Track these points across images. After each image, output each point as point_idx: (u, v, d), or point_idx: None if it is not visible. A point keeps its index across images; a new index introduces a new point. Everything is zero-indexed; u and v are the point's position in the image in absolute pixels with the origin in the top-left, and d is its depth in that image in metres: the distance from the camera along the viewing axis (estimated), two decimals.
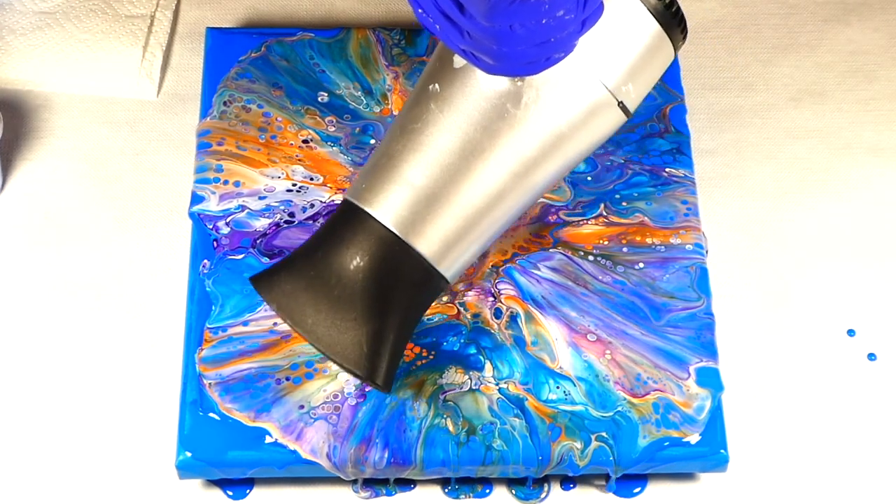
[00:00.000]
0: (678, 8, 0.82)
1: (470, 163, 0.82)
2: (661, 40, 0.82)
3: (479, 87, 0.82)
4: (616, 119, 0.83)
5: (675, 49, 0.83)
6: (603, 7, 0.79)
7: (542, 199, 0.97)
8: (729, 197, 1.02)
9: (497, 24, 0.75)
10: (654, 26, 0.82)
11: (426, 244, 0.82)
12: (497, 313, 0.93)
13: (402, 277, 0.83)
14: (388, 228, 0.82)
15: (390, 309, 0.83)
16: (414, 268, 0.83)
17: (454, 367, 0.91)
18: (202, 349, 0.91)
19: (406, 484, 0.92)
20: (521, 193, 0.84)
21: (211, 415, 0.89)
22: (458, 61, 0.82)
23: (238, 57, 1.02)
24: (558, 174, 0.84)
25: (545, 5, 0.75)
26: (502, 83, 0.81)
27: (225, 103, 1.00)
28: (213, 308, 0.92)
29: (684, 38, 0.83)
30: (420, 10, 0.78)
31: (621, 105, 0.82)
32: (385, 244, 0.82)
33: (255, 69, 1.01)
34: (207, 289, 0.93)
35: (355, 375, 0.83)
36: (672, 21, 0.82)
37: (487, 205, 0.83)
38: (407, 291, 0.83)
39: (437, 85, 0.83)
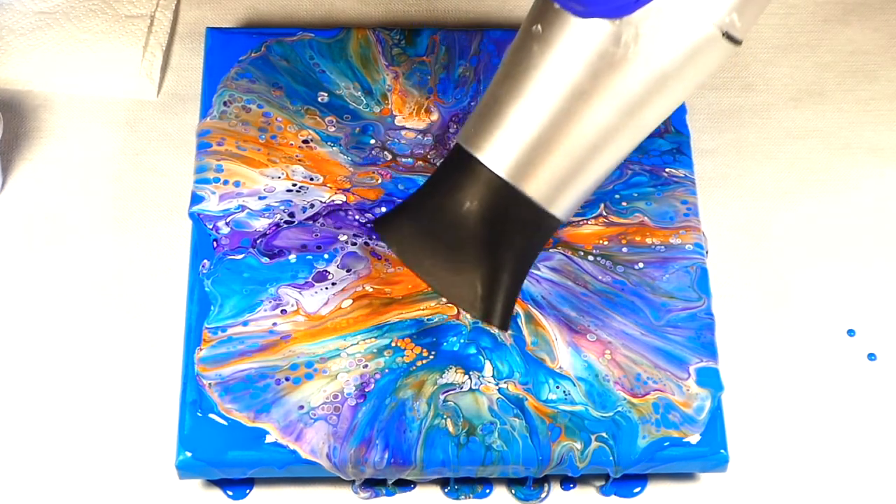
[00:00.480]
0: None
1: (575, 105, 0.81)
2: None
3: (579, 27, 0.80)
4: (723, 51, 0.80)
5: None
6: None
7: None
8: (729, 197, 1.02)
9: None
10: None
11: (535, 187, 0.82)
12: None
13: (514, 220, 0.83)
14: (496, 174, 0.82)
15: (503, 251, 0.83)
16: (524, 211, 0.83)
17: (454, 367, 0.91)
18: (201, 349, 0.91)
19: (406, 484, 0.92)
20: (628, 132, 0.82)
21: (211, 416, 0.89)
22: None
23: (238, 57, 1.02)
24: (666, 111, 0.82)
25: None
26: (602, 22, 0.79)
27: (225, 103, 1.00)
28: (213, 308, 0.92)
29: None
30: None
31: (726, 35, 0.79)
32: (494, 189, 0.82)
33: (255, 69, 1.01)
34: (207, 289, 0.93)
35: (473, 316, 0.85)
36: None
37: (595, 145, 0.82)
38: (519, 234, 0.83)
39: (539, 26, 0.81)
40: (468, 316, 0.93)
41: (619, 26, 0.79)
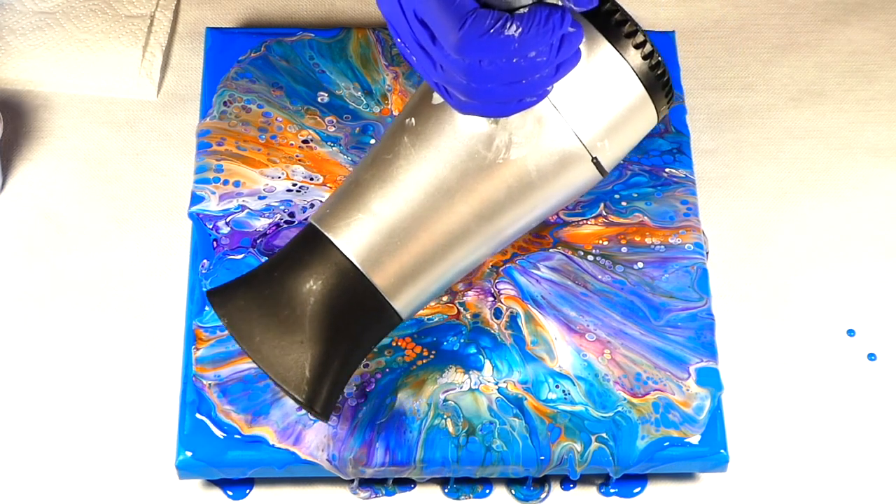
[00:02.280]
0: (665, 72, 0.80)
1: (436, 200, 0.81)
2: (643, 103, 0.80)
3: (453, 126, 0.80)
4: (589, 175, 0.81)
5: (659, 115, 0.82)
6: (580, 55, 0.77)
7: None
8: (729, 197, 1.02)
9: (467, 57, 0.74)
10: (639, 88, 0.80)
11: (383, 277, 0.81)
12: (497, 313, 0.93)
13: (355, 307, 0.81)
14: (346, 256, 0.81)
15: (339, 337, 0.81)
16: (368, 299, 0.81)
17: (454, 367, 0.91)
18: (197, 349, 0.90)
19: (406, 484, 0.92)
20: (484, 237, 0.82)
21: (209, 423, 0.89)
22: (437, 98, 0.81)
23: (238, 57, 1.02)
24: (525, 223, 0.83)
25: (514, 43, 0.73)
26: (476, 124, 0.80)
27: (225, 103, 1.00)
28: (209, 308, 0.92)
29: (669, 103, 0.82)
30: (398, 40, 0.78)
31: (595, 161, 0.81)
32: (341, 272, 0.81)
33: (255, 69, 1.01)
34: (205, 289, 0.92)
35: (295, 400, 0.82)
36: (657, 84, 0.80)
37: (449, 244, 0.82)
38: (358, 322, 0.82)
39: (413, 119, 0.82)
40: (467, 316, 0.93)
41: (494, 130, 0.80)
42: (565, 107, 0.79)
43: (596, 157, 0.81)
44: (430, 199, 0.81)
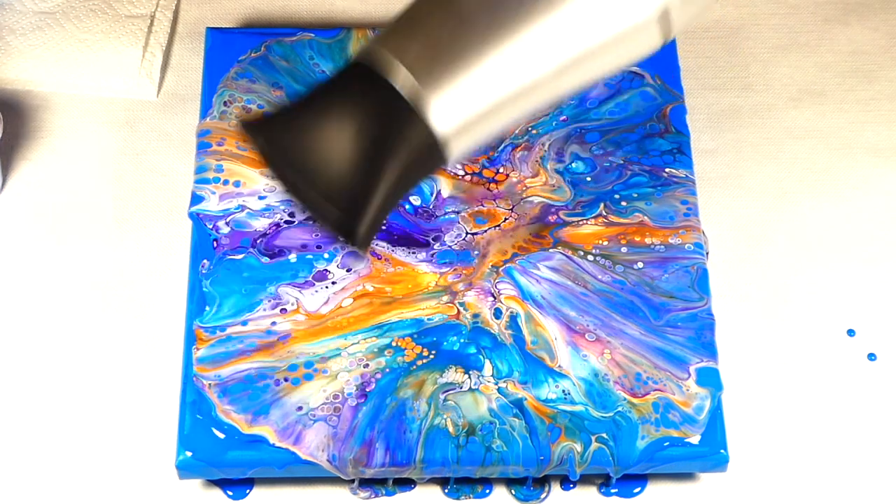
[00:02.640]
0: None
1: (499, 34, 0.76)
2: None
3: None
4: (653, 38, 0.77)
5: None
6: None
7: (542, 199, 0.97)
8: (729, 197, 1.02)
9: None
10: None
11: (438, 115, 0.76)
12: (497, 313, 0.93)
13: (404, 143, 0.76)
14: (401, 93, 0.76)
15: (381, 172, 0.76)
16: (417, 136, 0.76)
17: (454, 367, 0.91)
18: (198, 348, 0.91)
19: (406, 484, 0.92)
20: (544, 84, 0.77)
21: (212, 428, 0.89)
22: None
23: (238, 57, 1.02)
24: (585, 72, 0.78)
25: None
26: None
27: (225, 103, 1.00)
28: (209, 308, 0.92)
29: None
30: None
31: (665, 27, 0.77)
32: (393, 107, 0.76)
33: (255, 69, 1.01)
34: (205, 289, 0.93)
35: (333, 232, 0.78)
36: None
37: (505, 85, 0.77)
38: (404, 160, 0.77)
39: None
40: (467, 316, 0.93)
41: None
42: None
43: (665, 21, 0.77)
44: (493, 33, 0.76)
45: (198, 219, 0.95)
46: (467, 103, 0.77)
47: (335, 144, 0.76)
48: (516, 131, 0.99)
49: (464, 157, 0.80)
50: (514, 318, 0.93)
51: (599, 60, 0.79)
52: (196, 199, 0.96)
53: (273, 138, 0.77)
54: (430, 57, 0.76)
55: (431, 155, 0.78)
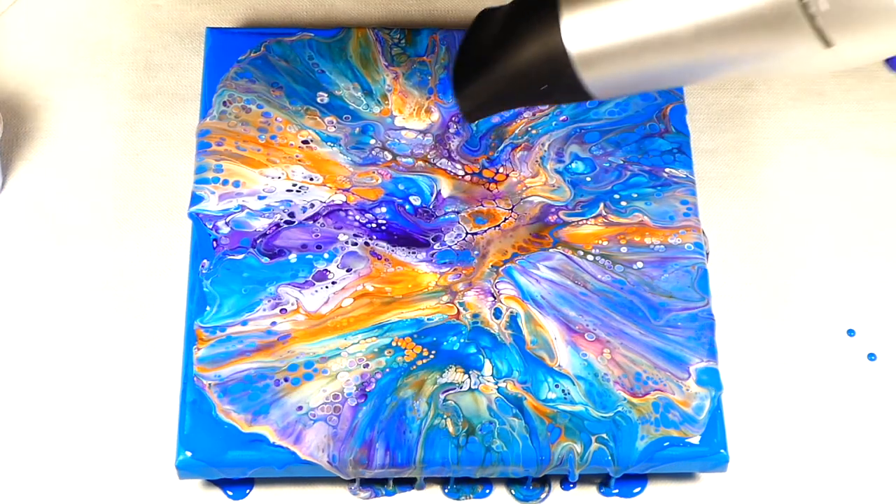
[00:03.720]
0: None
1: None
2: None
3: None
4: (799, 28, 0.73)
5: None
6: None
7: (542, 199, 0.97)
8: (729, 197, 1.02)
9: None
10: None
11: (567, 26, 0.77)
12: (497, 313, 0.93)
13: (530, 37, 0.79)
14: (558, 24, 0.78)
15: (503, 54, 0.80)
16: (545, 35, 0.78)
17: (454, 367, 0.91)
18: (198, 348, 0.91)
19: (406, 484, 0.92)
20: (680, 42, 0.76)
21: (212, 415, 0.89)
22: None
23: (238, 57, 1.02)
24: (724, 46, 0.76)
25: None
26: None
27: (224, 103, 1.00)
28: (210, 308, 0.92)
29: None
30: None
31: (804, 5, 0.72)
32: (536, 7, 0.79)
33: (254, 69, 1.01)
34: (205, 289, 0.93)
35: (454, 89, 0.83)
36: None
37: (640, 27, 0.76)
38: (527, 53, 0.79)
39: None
40: (467, 316, 0.93)
41: None
42: None
43: (807, 4, 0.72)
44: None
45: (197, 219, 0.95)
46: (600, 31, 0.77)
47: (486, 27, 0.81)
48: (516, 131, 0.99)
49: (605, 93, 0.80)
50: (513, 317, 0.93)
51: (740, 39, 0.75)
52: (196, 199, 0.96)
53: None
54: None
55: (558, 67, 0.78)
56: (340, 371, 0.90)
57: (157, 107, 1.05)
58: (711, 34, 0.76)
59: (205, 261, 0.94)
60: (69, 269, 0.98)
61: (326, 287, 0.93)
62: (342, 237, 0.95)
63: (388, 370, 0.90)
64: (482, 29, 0.82)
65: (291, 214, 0.96)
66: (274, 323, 0.92)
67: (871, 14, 0.72)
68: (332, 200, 0.97)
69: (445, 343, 0.92)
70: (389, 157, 0.99)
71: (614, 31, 0.77)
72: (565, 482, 0.92)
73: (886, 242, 1.01)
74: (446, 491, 0.92)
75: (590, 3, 0.77)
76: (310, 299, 0.93)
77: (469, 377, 0.90)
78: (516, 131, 1.00)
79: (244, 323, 0.92)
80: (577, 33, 0.78)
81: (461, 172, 0.98)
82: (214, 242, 0.95)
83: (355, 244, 0.95)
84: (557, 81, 0.80)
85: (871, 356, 0.96)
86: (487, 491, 0.92)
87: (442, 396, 0.90)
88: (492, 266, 0.95)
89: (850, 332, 0.97)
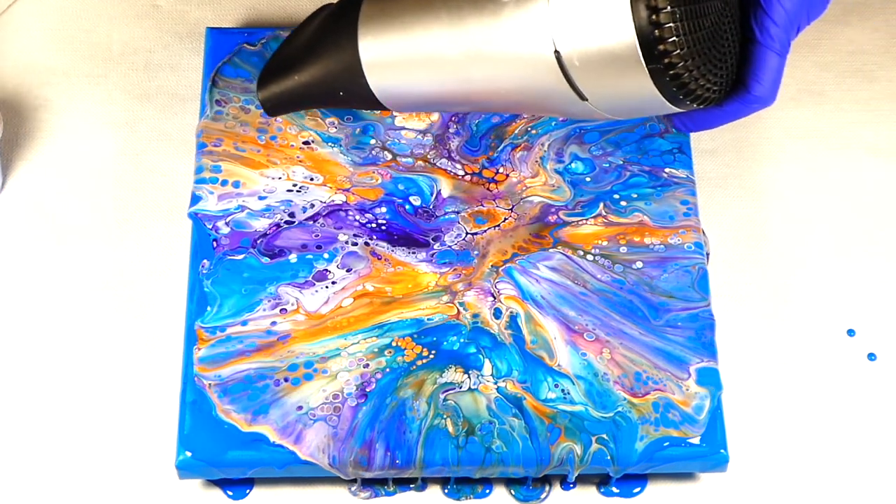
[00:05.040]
0: (670, 60, 0.74)
1: (429, 20, 0.80)
2: (634, 60, 0.74)
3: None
4: (553, 78, 0.76)
5: (658, 86, 0.74)
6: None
7: (541, 199, 0.97)
8: (729, 197, 1.02)
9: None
10: (630, 36, 0.73)
11: (363, 37, 0.82)
12: (497, 313, 0.93)
13: (334, 45, 0.83)
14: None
15: (307, 57, 0.85)
16: (345, 43, 0.83)
17: (454, 367, 0.91)
18: (199, 348, 0.91)
19: (406, 484, 0.92)
20: (454, 69, 0.80)
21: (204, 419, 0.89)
22: None
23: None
24: (488, 89, 0.80)
25: None
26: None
27: (218, 102, 1.00)
28: (210, 308, 0.92)
29: (678, 95, 0.74)
30: None
31: (557, 56, 0.75)
32: (345, 18, 0.83)
33: (253, 68, 1.01)
34: (206, 289, 0.93)
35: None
36: (652, 53, 0.73)
37: (422, 51, 0.81)
38: (330, 58, 0.84)
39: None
40: (467, 316, 0.93)
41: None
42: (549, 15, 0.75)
43: (558, 54, 0.75)
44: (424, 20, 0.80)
45: (197, 219, 0.95)
46: (387, 45, 0.81)
47: (304, 28, 0.86)
48: (516, 131, 1.00)
49: (395, 105, 0.84)
50: (513, 318, 0.93)
51: (504, 79, 0.79)
52: (195, 199, 0.96)
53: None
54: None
55: (352, 70, 0.83)
56: (340, 371, 0.90)
57: (157, 107, 1.05)
58: (479, 65, 0.79)
59: (205, 261, 0.94)
60: (69, 269, 0.98)
61: (326, 287, 0.93)
62: (342, 237, 0.95)
63: (388, 370, 0.90)
64: (304, 28, 0.86)
65: (291, 214, 0.96)
66: (274, 323, 0.92)
67: (617, 73, 0.75)
68: (333, 200, 0.97)
69: (445, 343, 0.92)
70: (389, 157, 0.99)
71: (398, 46, 0.81)
72: (565, 482, 0.92)
73: (886, 242, 1.01)
74: (446, 491, 0.92)
75: (383, 21, 0.81)
76: (310, 299, 0.93)
77: (469, 377, 0.91)
78: (516, 131, 1.00)
79: (244, 323, 0.92)
80: (370, 45, 0.82)
81: (461, 172, 0.98)
82: (214, 242, 0.95)
83: (355, 244, 0.95)
84: (354, 85, 0.84)
85: (871, 356, 0.96)
86: (487, 491, 0.92)
87: (442, 396, 0.90)
88: (492, 266, 0.95)
89: (850, 332, 0.97)
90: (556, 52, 0.75)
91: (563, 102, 0.78)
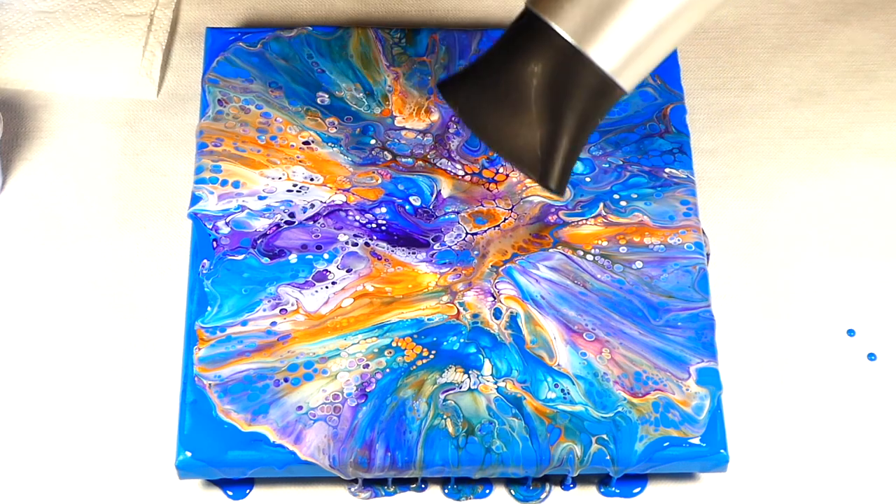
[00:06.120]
0: None
1: None
2: None
3: None
4: None
5: None
6: None
7: (541, 199, 0.97)
8: (729, 197, 1.02)
9: None
10: None
11: (602, 54, 0.82)
12: (497, 313, 0.93)
13: (578, 85, 0.83)
14: (563, 38, 0.82)
15: (564, 115, 0.83)
16: (589, 77, 0.82)
17: (454, 367, 0.91)
18: (199, 349, 0.91)
19: (406, 484, 0.92)
20: (695, 9, 0.82)
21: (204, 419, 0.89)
22: None
23: (237, 57, 1.02)
24: None
25: None
26: None
27: (220, 102, 1.00)
28: (210, 308, 0.92)
29: None
30: None
31: None
32: (560, 52, 0.82)
33: (252, 68, 1.01)
34: (206, 289, 0.93)
35: (530, 177, 0.85)
36: None
37: (664, 14, 0.82)
38: (582, 98, 0.83)
39: None
40: (467, 316, 0.93)
41: None
42: None
43: None
44: None
45: (197, 219, 0.95)
46: (625, 38, 0.82)
47: (517, 106, 0.83)
48: None
49: (639, 81, 0.85)
50: (513, 318, 0.93)
51: None
52: (195, 199, 0.96)
53: (467, 99, 0.85)
54: (584, 3, 0.82)
55: (607, 91, 0.83)
56: (340, 371, 0.90)
57: (157, 107, 1.05)
58: None
59: (205, 261, 0.94)
60: (69, 268, 0.98)
61: (326, 287, 0.93)
62: (342, 237, 0.95)
63: (388, 370, 0.90)
64: (518, 96, 0.84)
65: (292, 215, 0.96)
66: (274, 323, 0.92)
67: None
68: (333, 200, 0.97)
69: (445, 343, 0.92)
70: (389, 157, 0.99)
71: (635, 33, 0.82)
72: (565, 482, 0.92)
73: (886, 242, 1.01)
74: (446, 491, 0.92)
75: (602, 23, 0.82)
76: (309, 300, 0.93)
77: (469, 377, 0.91)
78: None
79: (244, 323, 0.92)
80: (609, 54, 0.82)
81: (461, 172, 0.98)
82: (214, 243, 0.95)
83: (355, 244, 0.95)
84: (613, 99, 0.84)
85: (871, 356, 0.96)
86: (487, 491, 0.92)
87: (442, 396, 0.90)
88: (492, 266, 0.95)
89: (850, 332, 0.97)
90: None
91: None
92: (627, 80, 0.83)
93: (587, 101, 0.83)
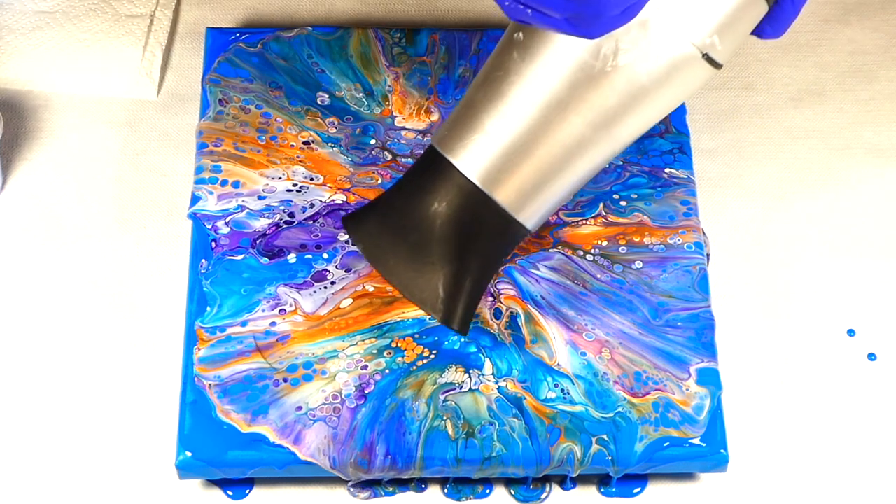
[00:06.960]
0: None
1: (551, 115, 0.81)
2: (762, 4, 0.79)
3: (560, 38, 0.80)
4: (703, 72, 0.80)
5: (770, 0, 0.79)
6: None
7: None
8: (729, 197, 1.02)
9: None
10: None
11: (505, 195, 0.83)
12: (497, 313, 0.93)
13: (481, 225, 0.83)
14: (466, 177, 0.82)
15: (468, 254, 0.84)
16: (492, 217, 0.83)
17: (454, 367, 0.91)
18: (199, 349, 0.91)
19: (406, 484, 0.92)
20: (602, 145, 0.83)
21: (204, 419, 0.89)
22: None
23: (237, 57, 1.02)
24: (643, 126, 0.83)
25: None
26: None
27: (221, 101, 1.00)
28: (210, 308, 0.92)
29: None
30: (506, 2, 0.76)
31: (706, 57, 0.79)
32: (464, 193, 0.82)
33: (251, 68, 1.01)
34: (205, 289, 0.93)
35: (434, 317, 0.85)
36: None
37: (568, 157, 0.82)
38: (485, 238, 0.84)
39: (520, 34, 0.82)
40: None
41: (600, 39, 0.79)
42: (668, 6, 0.78)
43: (707, 54, 0.79)
44: (544, 114, 0.81)
45: (197, 219, 0.95)
46: (528, 179, 0.83)
47: (420, 246, 0.84)
48: None
49: (543, 220, 0.86)
50: (513, 318, 0.93)
51: (655, 106, 0.82)
52: (195, 199, 0.96)
53: (369, 236, 0.86)
54: (488, 145, 0.83)
55: (510, 231, 0.84)
56: (339, 372, 0.90)
57: (157, 107, 1.05)
58: (623, 127, 0.83)
59: (203, 261, 0.94)
60: (69, 268, 0.98)
61: (325, 287, 0.93)
62: (342, 237, 0.95)
63: (387, 371, 0.90)
64: (424, 237, 0.85)
65: (291, 214, 0.96)
66: (273, 324, 0.92)
67: (748, 22, 0.80)
68: (333, 200, 0.97)
69: (446, 343, 0.92)
70: (389, 157, 0.99)
71: (534, 174, 0.83)
72: (565, 482, 0.92)
73: (886, 242, 1.01)
74: (446, 491, 0.92)
75: (508, 169, 0.83)
76: (308, 300, 0.93)
77: (469, 376, 0.90)
78: None
79: (243, 324, 0.92)
80: (521, 208, 0.84)
81: None
82: (213, 243, 0.95)
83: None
84: (517, 238, 0.86)
85: (871, 356, 0.96)
86: (487, 491, 0.92)
87: (441, 397, 0.90)
88: None
89: (850, 332, 0.97)
90: (704, 55, 0.80)
91: (698, 83, 0.82)
92: (531, 220, 0.84)
93: (490, 242, 0.84)
